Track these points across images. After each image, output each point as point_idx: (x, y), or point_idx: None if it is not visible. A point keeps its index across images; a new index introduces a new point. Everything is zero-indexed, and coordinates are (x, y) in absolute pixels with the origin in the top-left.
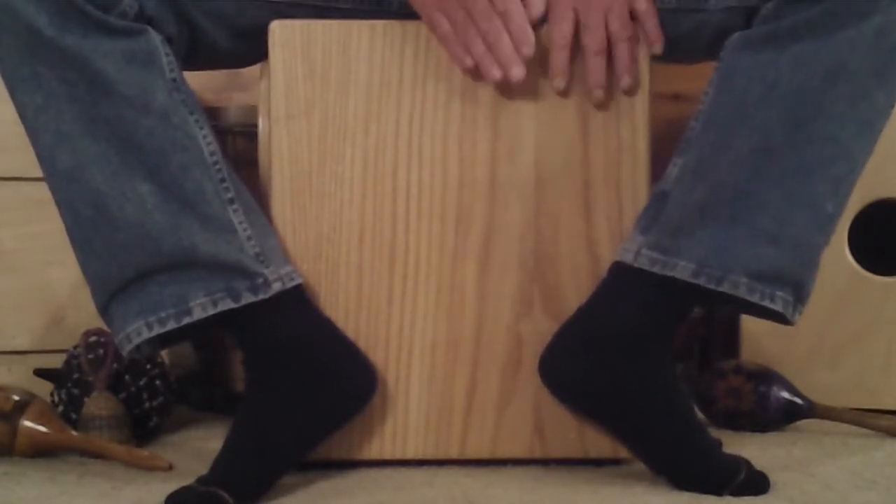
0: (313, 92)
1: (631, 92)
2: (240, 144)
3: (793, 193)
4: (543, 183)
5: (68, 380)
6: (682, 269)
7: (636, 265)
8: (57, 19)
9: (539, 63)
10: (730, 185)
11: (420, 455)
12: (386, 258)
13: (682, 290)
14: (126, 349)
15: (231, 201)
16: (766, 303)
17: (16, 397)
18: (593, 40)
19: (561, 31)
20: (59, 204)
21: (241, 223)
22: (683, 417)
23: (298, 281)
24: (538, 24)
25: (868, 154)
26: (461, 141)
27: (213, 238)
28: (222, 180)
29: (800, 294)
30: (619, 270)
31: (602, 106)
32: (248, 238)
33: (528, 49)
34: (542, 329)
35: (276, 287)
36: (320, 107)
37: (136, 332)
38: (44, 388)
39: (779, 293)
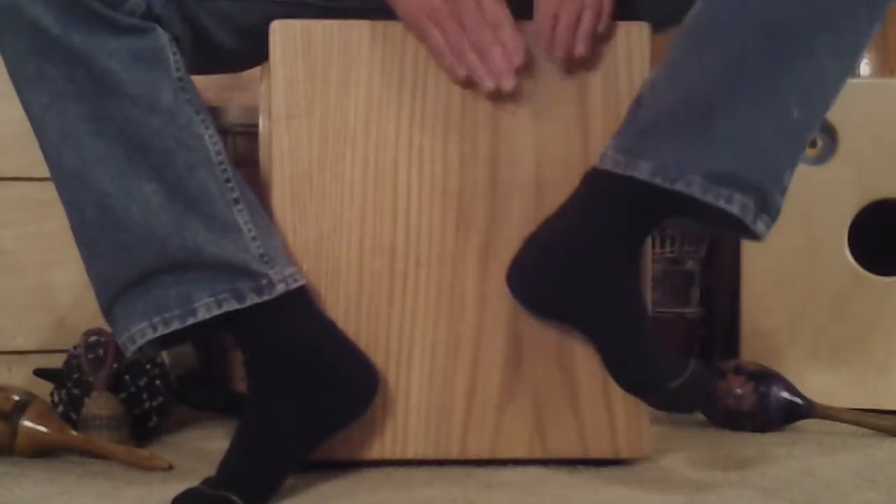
0: (314, 92)
1: (580, 61)
2: (240, 144)
3: (760, 101)
4: (543, 183)
5: (68, 380)
6: (642, 169)
7: (600, 167)
8: (63, 17)
9: (538, 62)
10: (700, 92)
11: (420, 455)
12: (386, 258)
13: (642, 191)
14: (129, 349)
15: (236, 201)
16: (722, 204)
17: (16, 397)
18: (568, 13)
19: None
20: (64, 203)
21: (245, 223)
22: (632, 312)
23: (302, 282)
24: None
25: (843, 74)
26: (461, 141)
27: (217, 238)
28: (227, 180)
29: (764, 203)
30: (588, 175)
31: (599, 103)
32: (253, 239)
33: (519, 58)
34: (542, 329)
35: (281, 288)
36: (321, 107)
37: (141, 332)
38: (44, 388)
39: (737, 196)
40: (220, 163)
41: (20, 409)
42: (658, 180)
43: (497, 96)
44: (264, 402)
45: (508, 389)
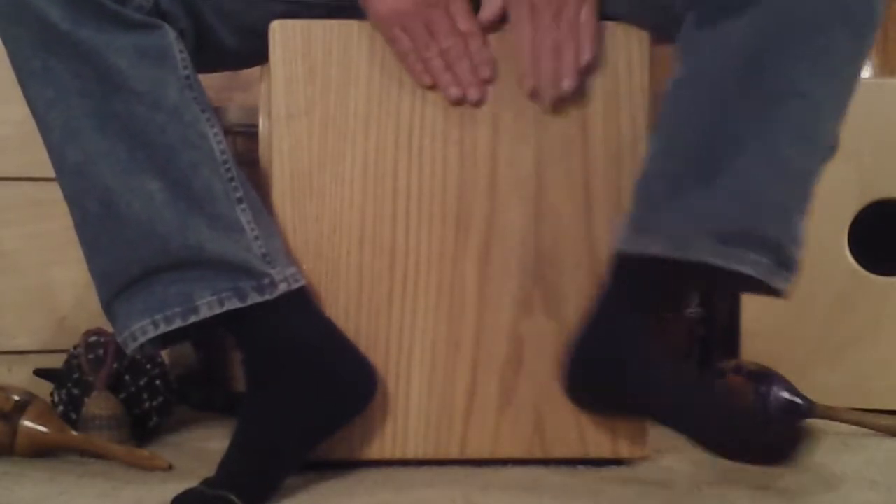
0: (313, 92)
1: (567, 95)
2: (240, 144)
3: (754, 150)
4: (543, 183)
5: (68, 380)
6: (654, 245)
7: (617, 248)
8: (71, 13)
9: None
10: (694, 153)
11: (420, 455)
12: (386, 258)
13: (659, 266)
14: (130, 347)
15: (239, 201)
16: (734, 266)
17: (16, 397)
18: (546, 38)
19: (521, 33)
20: (67, 199)
21: (248, 223)
22: (683, 383)
23: (303, 282)
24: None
25: (837, 101)
26: (461, 141)
27: (220, 237)
28: (231, 179)
29: (781, 258)
30: (611, 259)
31: (599, 105)
32: (256, 238)
33: (486, 72)
34: (542, 329)
35: (282, 288)
36: (321, 107)
37: (142, 330)
38: (44, 388)
39: (751, 256)
40: (225, 161)
41: (20, 409)
42: (671, 253)
43: (463, 104)
44: (263, 401)
45: (509, 389)
